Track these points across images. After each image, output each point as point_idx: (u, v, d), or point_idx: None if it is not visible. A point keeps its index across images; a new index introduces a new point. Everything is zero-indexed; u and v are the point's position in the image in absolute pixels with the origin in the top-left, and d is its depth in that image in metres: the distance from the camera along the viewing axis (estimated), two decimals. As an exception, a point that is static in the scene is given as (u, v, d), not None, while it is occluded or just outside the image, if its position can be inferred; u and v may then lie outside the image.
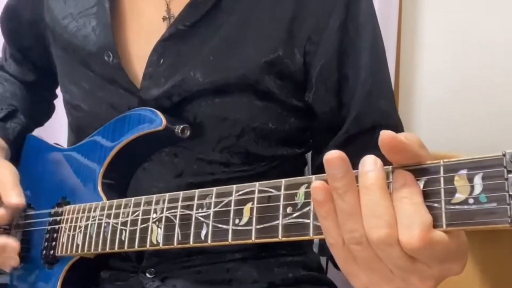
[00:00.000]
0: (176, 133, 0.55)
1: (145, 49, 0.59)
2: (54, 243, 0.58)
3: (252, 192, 0.41)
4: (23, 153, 0.69)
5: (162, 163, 0.60)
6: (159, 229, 0.47)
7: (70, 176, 0.62)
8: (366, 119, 0.58)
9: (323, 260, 0.74)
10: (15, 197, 0.57)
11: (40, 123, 0.76)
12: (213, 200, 0.43)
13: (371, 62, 0.59)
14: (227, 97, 0.57)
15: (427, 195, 0.32)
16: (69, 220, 0.57)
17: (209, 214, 0.43)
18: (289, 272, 0.64)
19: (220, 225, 0.42)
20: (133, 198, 0.51)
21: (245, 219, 0.40)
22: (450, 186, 0.31)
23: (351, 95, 0.58)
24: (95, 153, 0.60)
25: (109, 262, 0.62)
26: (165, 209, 0.47)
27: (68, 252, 0.56)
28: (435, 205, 0.32)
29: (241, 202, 0.41)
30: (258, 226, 0.39)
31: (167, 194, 0.48)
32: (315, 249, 0.75)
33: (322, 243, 0.75)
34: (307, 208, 0.37)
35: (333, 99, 0.59)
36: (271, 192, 0.39)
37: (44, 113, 0.77)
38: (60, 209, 0.59)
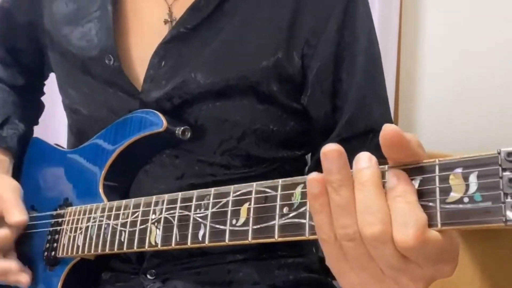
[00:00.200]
0: (176, 135, 0.55)
1: (146, 52, 0.59)
2: (55, 244, 0.58)
3: (250, 192, 0.41)
4: (26, 155, 0.70)
5: (163, 165, 0.60)
6: (157, 230, 0.47)
7: (72, 178, 0.63)
8: (358, 123, 0.58)
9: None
10: (18, 215, 0.58)
11: (36, 122, 0.76)
12: (211, 200, 0.43)
13: (366, 66, 0.59)
14: (228, 100, 0.57)
15: (423, 194, 0.32)
16: (71, 221, 0.57)
17: (207, 215, 0.43)
18: (290, 274, 0.63)
19: (217, 226, 0.42)
20: (133, 200, 0.51)
21: (242, 219, 0.40)
22: (445, 185, 0.31)
23: (344, 98, 0.58)
24: (97, 156, 0.60)
25: (110, 264, 0.62)
26: (164, 210, 0.47)
27: (69, 254, 0.56)
28: (430, 204, 0.31)
29: (239, 203, 0.41)
30: (255, 227, 0.39)
31: (166, 195, 0.48)
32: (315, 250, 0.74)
33: (318, 246, 0.75)
34: (303, 208, 0.37)
35: (327, 102, 0.59)
36: (268, 192, 0.39)
37: (36, 113, 0.77)
38: (62, 211, 0.60)
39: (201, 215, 0.44)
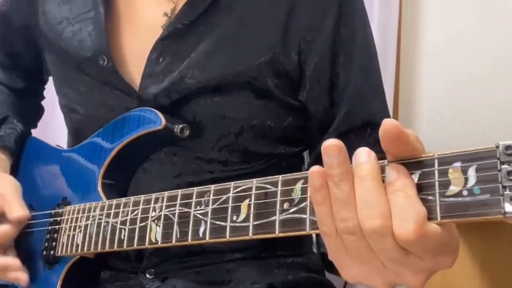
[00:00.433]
0: (175, 133, 0.55)
1: (142, 49, 0.59)
2: (54, 243, 0.58)
3: (250, 189, 0.41)
4: (24, 154, 0.69)
5: (161, 163, 0.60)
6: (157, 227, 0.47)
7: (70, 177, 0.63)
8: (356, 117, 0.59)
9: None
10: (19, 210, 0.58)
11: (34, 126, 0.77)
12: (211, 197, 0.43)
13: (363, 61, 0.60)
14: (225, 96, 0.57)
15: (422, 188, 0.32)
16: (69, 220, 0.57)
17: (207, 212, 0.43)
18: (289, 274, 0.63)
19: (218, 222, 0.42)
20: (132, 197, 0.51)
21: (242, 215, 0.41)
22: (444, 178, 0.31)
23: (342, 93, 0.59)
24: (95, 154, 0.60)
25: (109, 263, 0.62)
26: (163, 208, 0.47)
27: (68, 252, 0.56)
28: (430, 197, 0.32)
29: (239, 199, 0.41)
30: (256, 222, 0.40)
31: (166, 193, 0.48)
32: (315, 249, 0.75)
33: (320, 242, 0.75)
34: (304, 204, 0.37)
35: (326, 98, 0.59)
36: (268, 188, 0.40)
37: (35, 116, 0.77)
38: (60, 210, 0.60)
39: (201, 211, 0.44)
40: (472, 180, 0.30)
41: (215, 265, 0.61)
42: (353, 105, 0.59)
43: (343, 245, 0.34)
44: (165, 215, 0.47)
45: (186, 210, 0.45)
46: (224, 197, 0.42)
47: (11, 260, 0.58)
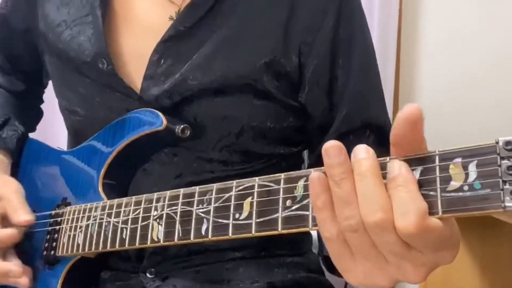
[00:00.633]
0: (176, 133, 0.56)
1: (142, 52, 0.59)
2: (54, 243, 0.58)
3: (252, 187, 0.41)
4: (24, 156, 0.69)
5: (162, 164, 0.60)
6: (159, 226, 0.47)
7: (70, 178, 0.63)
8: (355, 119, 0.60)
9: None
10: (25, 215, 0.57)
11: (33, 129, 0.77)
12: (214, 196, 0.44)
13: (361, 62, 0.60)
14: (226, 97, 0.58)
15: (423, 184, 0.33)
16: (70, 220, 0.57)
17: (210, 210, 0.43)
18: (289, 273, 0.64)
19: (220, 220, 0.43)
20: (134, 197, 0.51)
21: (245, 213, 0.41)
22: (445, 174, 0.32)
23: (341, 95, 0.59)
24: (96, 155, 0.60)
25: (110, 263, 0.62)
26: (165, 206, 0.47)
27: (69, 252, 0.56)
28: (431, 193, 0.32)
29: (241, 197, 0.42)
30: (258, 220, 0.40)
31: (168, 192, 0.48)
32: (315, 250, 0.75)
33: (321, 244, 0.75)
34: (306, 201, 0.37)
35: (325, 100, 0.60)
36: (270, 186, 0.40)
37: (34, 120, 0.77)
38: (60, 210, 0.60)
39: (204, 210, 0.44)
40: (472, 175, 0.31)
41: (215, 264, 0.62)
42: (352, 107, 0.59)
43: (346, 247, 0.34)
44: (167, 214, 0.47)
45: (188, 208, 0.45)
46: (227, 195, 0.43)
47: (13, 266, 0.58)
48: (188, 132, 0.56)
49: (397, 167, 0.33)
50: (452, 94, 1.29)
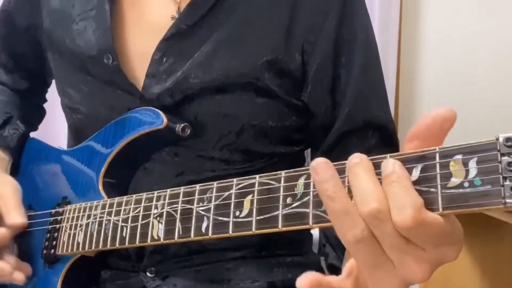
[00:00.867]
0: (176, 132, 0.56)
1: (146, 50, 0.60)
2: (54, 242, 0.58)
3: (252, 184, 0.41)
4: (24, 155, 0.69)
5: (162, 163, 0.60)
6: (160, 224, 0.47)
7: (71, 177, 0.63)
8: (357, 118, 0.60)
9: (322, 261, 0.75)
10: (17, 217, 0.57)
11: (35, 128, 0.77)
12: (214, 194, 0.44)
13: (364, 62, 0.60)
14: (227, 95, 0.58)
15: (424, 180, 0.33)
16: (70, 219, 0.57)
17: (210, 208, 0.43)
18: (289, 273, 0.64)
19: (220, 218, 0.43)
20: (134, 195, 0.51)
21: (245, 211, 0.41)
22: (446, 171, 0.32)
23: (343, 94, 0.60)
24: (96, 154, 0.61)
25: (110, 262, 0.62)
26: (166, 205, 0.47)
27: (69, 251, 0.56)
28: (432, 189, 0.32)
29: (242, 195, 0.42)
30: (259, 217, 0.40)
31: (168, 190, 0.48)
32: (315, 249, 0.75)
33: (321, 244, 0.75)
34: (307, 198, 0.37)
35: (328, 99, 0.60)
36: (271, 184, 0.40)
37: (37, 118, 0.78)
38: (61, 209, 0.60)
39: (204, 208, 0.44)
40: (473, 172, 0.31)
41: (215, 264, 0.61)
42: (354, 106, 0.59)
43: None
44: (167, 212, 0.47)
45: (189, 206, 0.45)
46: (227, 193, 0.43)
47: (3, 265, 0.57)
48: (189, 131, 0.56)
49: (390, 164, 0.33)
50: (453, 93, 1.29)
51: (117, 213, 0.52)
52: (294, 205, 0.38)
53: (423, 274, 0.33)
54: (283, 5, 0.58)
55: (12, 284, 0.63)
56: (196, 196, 0.45)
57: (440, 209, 0.32)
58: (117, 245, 0.51)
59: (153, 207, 0.49)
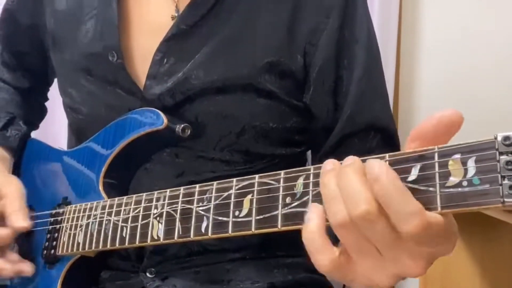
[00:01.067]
0: (177, 132, 0.56)
1: (149, 50, 0.60)
2: (55, 242, 0.58)
3: (252, 184, 0.41)
4: (25, 156, 0.70)
5: (163, 163, 0.60)
6: (159, 224, 0.47)
7: (71, 177, 0.63)
8: (359, 119, 0.59)
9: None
10: (22, 221, 0.57)
11: (36, 127, 0.77)
12: (213, 194, 0.44)
13: (366, 63, 0.60)
14: (228, 95, 0.58)
15: (423, 180, 0.33)
16: (70, 219, 0.57)
17: (210, 208, 0.44)
18: (289, 274, 0.64)
19: (220, 218, 0.43)
20: (134, 196, 0.52)
21: (245, 210, 0.41)
22: (444, 170, 0.32)
23: (345, 96, 0.59)
24: (97, 154, 0.61)
25: (109, 262, 0.62)
26: (165, 205, 0.47)
27: (69, 251, 0.56)
28: (431, 189, 0.32)
29: (241, 195, 0.42)
30: (258, 217, 0.40)
31: (168, 190, 0.48)
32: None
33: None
34: (306, 197, 0.38)
35: (329, 100, 0.60)
36: (270, 183, 0.40)
37: (38, 117, 0.78)
38: (61, 209, 0.60)
39: (204, 208, 0.44)
40: (471, 171, 0.31)
41: (215, 265, 0.62)
42: (356, 108, 0.59)
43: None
44: (167, 212, 0.47)
45: (188, 206, 0.45)
46: (226, 193, 0.43)
47: (3, 264, 0.58)
48: (189, 131, 0.56)
49: (376, 166, 0.33)
50: (453, 93, 1.29)
51: (117, 213, 0.52)
52: (293, 205, 0.38)
53: (419, 269, 0.33)
54: (284, 6, 0.58)
55: (13, 283, 0.64)
56: (196, 196, 0.45)
57: (439, 209, 0.32)
58: (117, 245, 0.51)
59: (153, 207, 0.49)
